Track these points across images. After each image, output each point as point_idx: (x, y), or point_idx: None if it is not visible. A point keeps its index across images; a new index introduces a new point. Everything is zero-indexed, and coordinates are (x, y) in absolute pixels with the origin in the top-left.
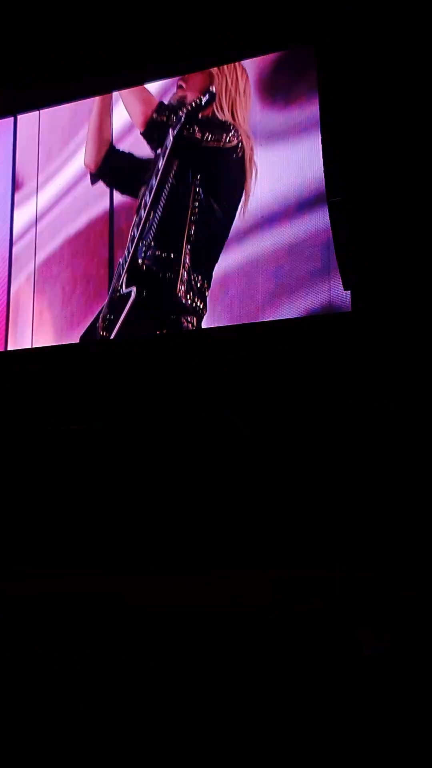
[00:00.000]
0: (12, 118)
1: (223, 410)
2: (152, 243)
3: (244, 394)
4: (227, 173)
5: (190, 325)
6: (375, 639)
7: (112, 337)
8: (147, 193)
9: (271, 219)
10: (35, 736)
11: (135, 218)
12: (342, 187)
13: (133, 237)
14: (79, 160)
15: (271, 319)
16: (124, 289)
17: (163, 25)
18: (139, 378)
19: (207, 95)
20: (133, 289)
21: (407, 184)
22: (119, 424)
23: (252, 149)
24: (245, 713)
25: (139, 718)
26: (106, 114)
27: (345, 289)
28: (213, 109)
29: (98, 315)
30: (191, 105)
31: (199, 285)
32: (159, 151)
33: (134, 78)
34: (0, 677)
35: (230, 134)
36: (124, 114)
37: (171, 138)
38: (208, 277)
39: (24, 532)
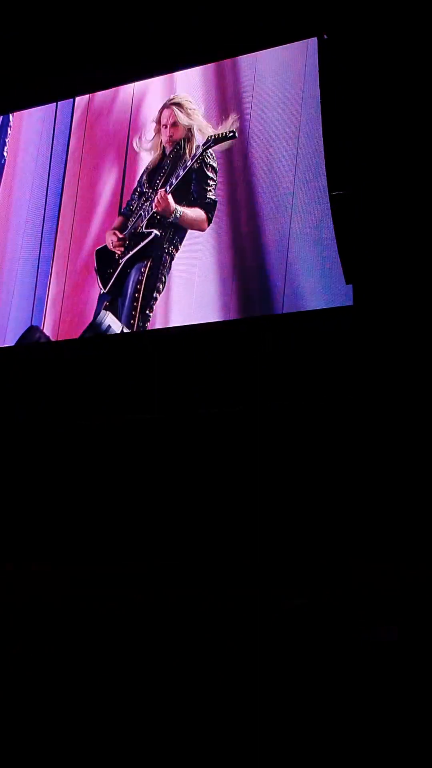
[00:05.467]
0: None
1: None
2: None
3: (245, 389)
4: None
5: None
6: (375, 628)
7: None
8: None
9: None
10: (34, 736)
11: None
12: (344, 179)
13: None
14: None
15: (270, 313)
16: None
17: (161, 20)
18: (138, 374)
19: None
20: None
21: (411, 176)
22: (119, 420)
23: None
24: (247, 710)
25: (139, 718)
26: None
27: (347, 283)
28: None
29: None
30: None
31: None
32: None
33: (134, 74)
34: None
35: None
36: None
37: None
38: None
39: (24, 525)
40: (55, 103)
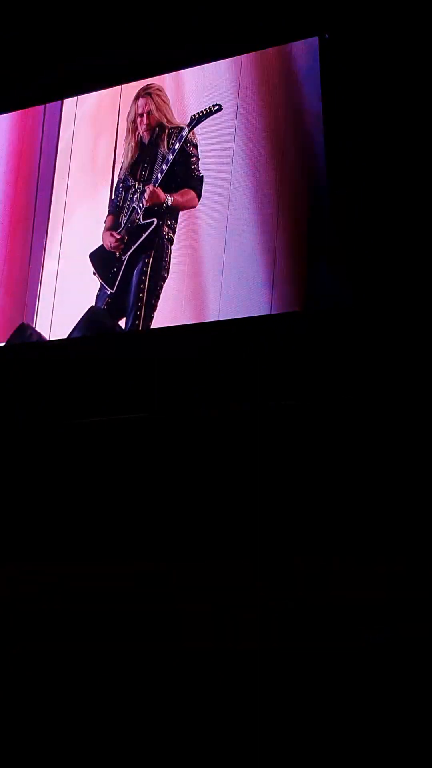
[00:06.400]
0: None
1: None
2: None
3: (243, 389)
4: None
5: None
6: (375, 629)
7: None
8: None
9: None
10: (34, 736)
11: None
12: (345, 180)
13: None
14: None
15: (270, 313)
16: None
17: (158, 20)
18: (138, 374)
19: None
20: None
21: (411, 177)
22: (119, 420)
23: None
24: (248, 711)
25: (139, 718)
26: None
27: (347, 282)
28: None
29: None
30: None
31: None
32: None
33: (132, 73)
34: None
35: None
36: None
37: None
38: None
39: (23, 525)
40: (43, 105)
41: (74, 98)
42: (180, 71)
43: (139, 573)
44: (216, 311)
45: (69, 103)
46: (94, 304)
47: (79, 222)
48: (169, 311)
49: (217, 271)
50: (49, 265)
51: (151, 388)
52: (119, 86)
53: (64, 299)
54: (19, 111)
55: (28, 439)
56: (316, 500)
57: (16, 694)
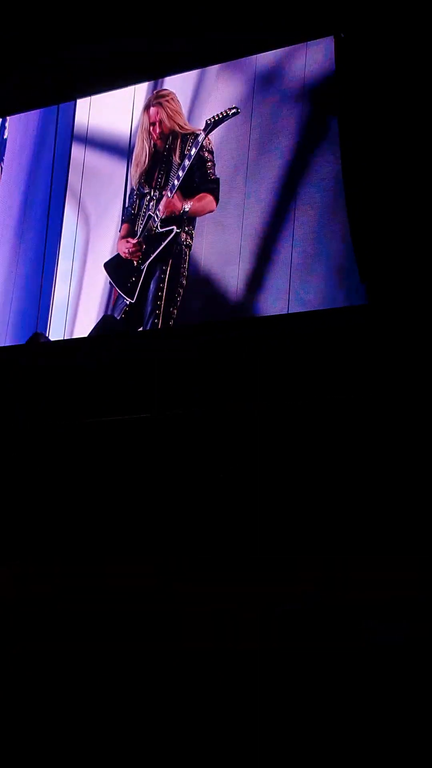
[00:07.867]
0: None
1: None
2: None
3: (243, 389)
4: None
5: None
6: (382, 629)
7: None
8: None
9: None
10: (35, 736)
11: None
12: (360, 178)
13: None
14: None
15: (282, 312)
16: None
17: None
18: (138, 374)
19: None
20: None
21: (427, 176)
22: (119, 420)
23: None
24: (248, 711)
25: (139, 718)
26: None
27: (361, 282)
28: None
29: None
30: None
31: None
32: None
33: (145, 73)
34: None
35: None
36: None
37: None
38: None
39: (24, 525)
40: (56, 106)
41: (87, 99)
42: (193, 71)
43: (140, 573)
44: (231, 316)
45: (82, 104)
46: (108, 312)
47: (94, 229)
48: (182, 318)
49: (232, 275)
50: (63, 271)
51: (152, 388)
52: (132, 87)
53: (78, 308)
54: (32, 111)
55: (28, 440)
56: (317, 500)
57: (16, 694)
